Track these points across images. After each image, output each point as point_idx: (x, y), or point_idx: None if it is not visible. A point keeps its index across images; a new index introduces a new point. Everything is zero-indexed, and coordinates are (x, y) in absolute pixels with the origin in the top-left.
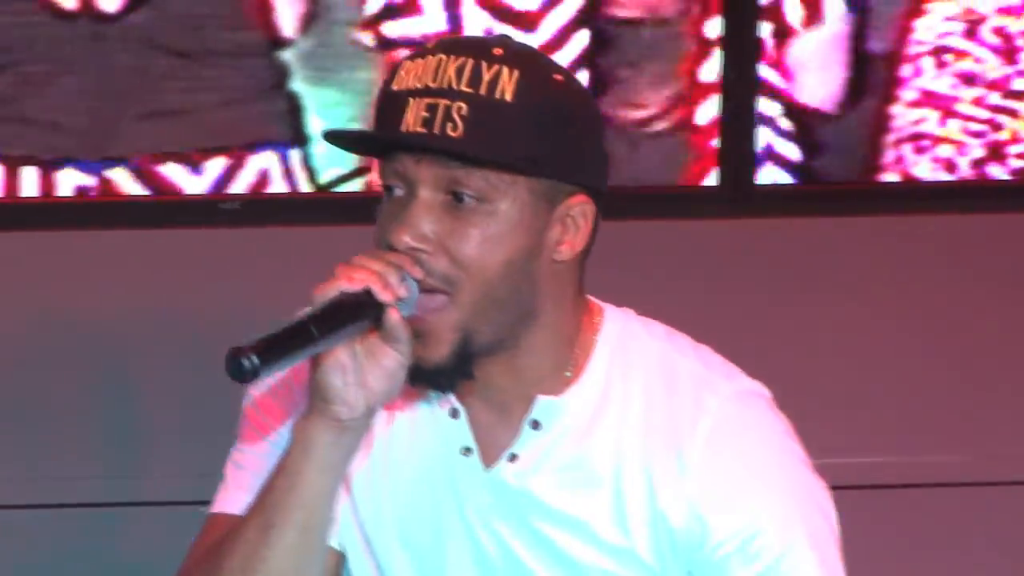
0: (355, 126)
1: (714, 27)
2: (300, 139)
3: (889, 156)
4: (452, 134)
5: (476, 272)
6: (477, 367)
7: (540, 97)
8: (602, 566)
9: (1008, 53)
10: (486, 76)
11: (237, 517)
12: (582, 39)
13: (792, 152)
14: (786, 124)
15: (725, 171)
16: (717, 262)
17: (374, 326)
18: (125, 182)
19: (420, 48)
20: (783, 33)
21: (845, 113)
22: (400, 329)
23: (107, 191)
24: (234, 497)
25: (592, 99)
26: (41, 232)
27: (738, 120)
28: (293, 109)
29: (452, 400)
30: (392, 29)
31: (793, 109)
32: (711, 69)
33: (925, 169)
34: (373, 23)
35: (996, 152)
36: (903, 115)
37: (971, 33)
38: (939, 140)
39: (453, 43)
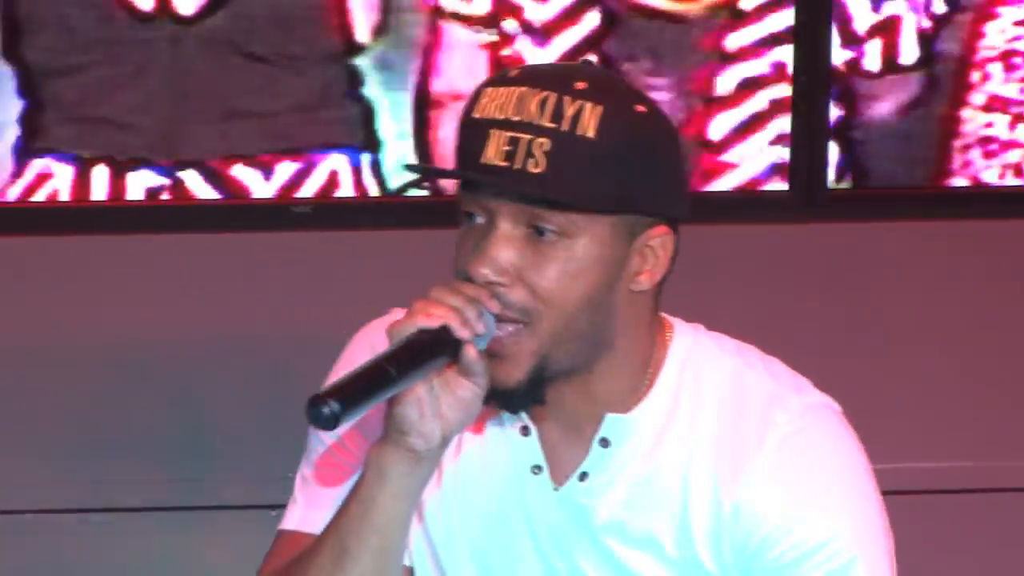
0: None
1: (780, 20)
2: (371, 144)
3: (957, 161)
4: (533, 170)
5: (555, 306)
6: (549, 392)
7: (622, 132)
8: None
9: None
10: (568, 111)
11: (308, 536)
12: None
13: (863, 156)
14: (858, 128)
15: (797, 175)
16: (790, 267)
17: (451, 361)
18: (196, 184)
19: (502, 74)
20: (852, 38)
21: (915, 117)
22: (477, 365)
23: (179, 193)
24: (305, 515)
25: (673, 127)
26: (110, 236)
27: (811, 124)
28: (365, 114)
29: (523, 418)
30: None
31: (864, 113)
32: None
33: (993, 174)
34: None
35: None
36: (972, 119)
37: None
38: (1007, 145)
39: (536, 74)
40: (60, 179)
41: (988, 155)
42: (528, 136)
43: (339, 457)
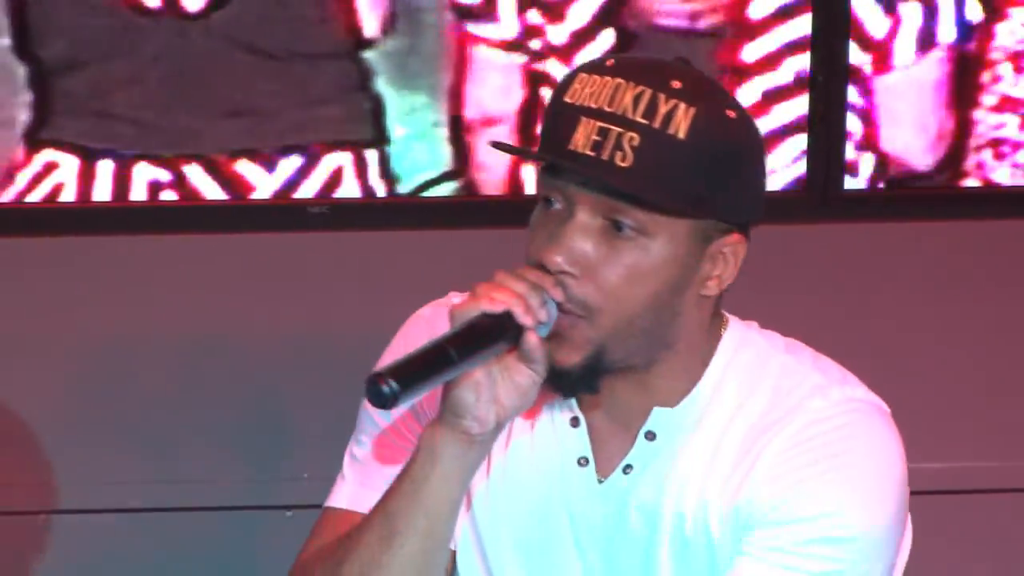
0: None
1: (798, 28)
2: (379, 140)
3: (970, 162)
4: (621, 164)
5: (619, 303)
6: (604, 383)
7: (712, 137)
8: (702, 570)
9: None
10: (662, 109)
11: (355, 514)
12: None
13: (876, 158)
14: (872, 129)
15: (813, 176)
16: (805, 266)
17: (512, 346)
18: (199, 178)
19: (598, 61)
20: (869, 44)
21: (930, 117)
22: (538, 351)
23: (181, 186)
24: (353, 492)
25: (759, 134)
26: (114, 236)
27: (826, 125)
28: (374, 110)
29: (574, 409)
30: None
31: (878, 114)
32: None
33: (1005, 174)
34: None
35: None
36: (984, 120)
37: None
38: (1019, 145)
39: (633, 67)
40: (65, 171)
41: (999, 156)
42: (619, 129)
43: (390, 437)
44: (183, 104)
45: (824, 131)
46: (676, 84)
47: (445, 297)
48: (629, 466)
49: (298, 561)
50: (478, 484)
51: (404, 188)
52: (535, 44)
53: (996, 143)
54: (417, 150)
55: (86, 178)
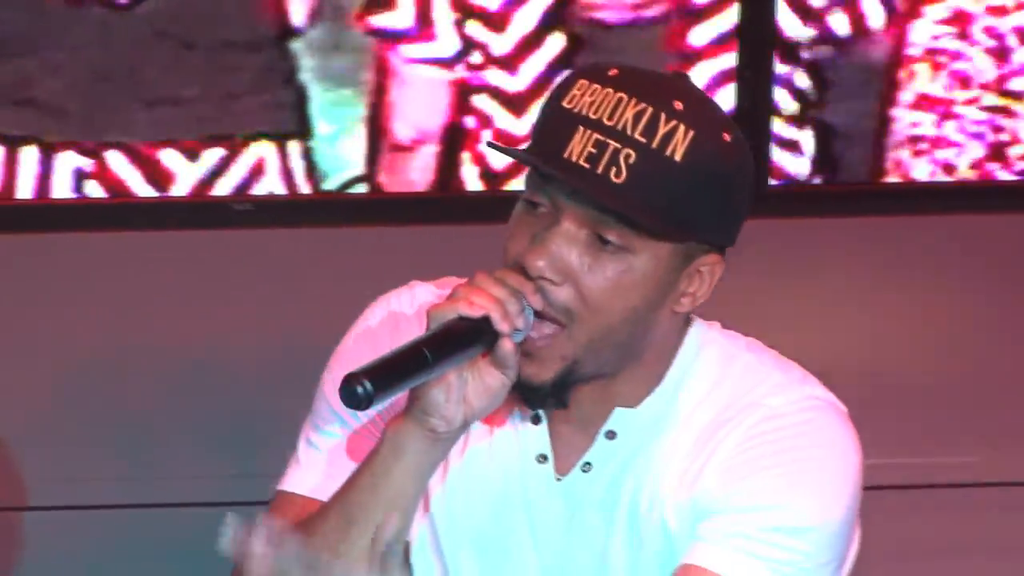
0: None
1: (702, 34)
2: (303, 132)
3: (889, 159)
4: (615, 179)
5: (598, 314)
6: (572, 393)
7: (707, 161)
8: (659, 569)
9: (1000, 53)
10: (662, 129)
11: (309, 500)
12: (557, 42)
13: (802, 154)
14: (796, 126)
15: None
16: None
17: (486, 350)
18: (122, 166)
19: (600, 69)
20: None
21: (852, 116)
22: (512, 358)
23: (104, 175)
24: (307, 477)
25: (750, 158)
26: (37, 235)
27: (752, 121)
28: (298, 102)
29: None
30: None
31: (804, 110)
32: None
33: (924, 172)
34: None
35: (998, 153)
36: (901, 118)
37: (963, 34)
38: (936, 142)
39: (635, 82)
40: None
41: (917, 154)
42: (616, 144)
43: (346, 424)
44: (107, 93)
45: (749, 128)
46: (678, 105)
47: (407, 286)
48: (588, 464)
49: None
50: (436, 477)
51: (330, 185)
52: (476, 58)
53: (914, 140)
54: (342, 146)
55: (10, 167)
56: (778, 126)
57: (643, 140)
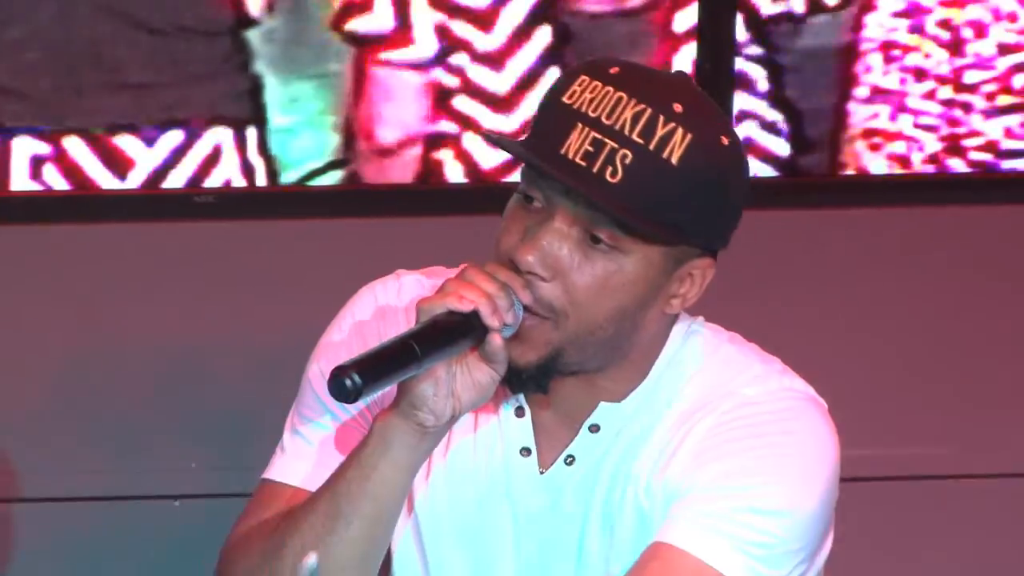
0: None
1: (686, 19)
2: (259, 119)
3: (847, 153)
4: (610, 179)
5: (585, 312)
6: (554, 383)
7: (703, 165)
8: (634, 555)
9: (954, 46)
10: (659, 131)
11: (295, 489)
12: (544, 36)
13: (771, 145)
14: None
15: None
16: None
17: (475, 345)
18: (81, 152)
19: (602, 65)
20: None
21: (811, 110)
22: (501, 353)
23: (62, 161)
24: (292, 467)
25: (745, 161)
26: (28, 226)
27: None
28: (254, 89)
29: (520, 399)
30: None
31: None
32: (682, 62)
33: (881, 165)
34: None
35: (954, 146)
36: (856, 112)
37: (917, 27)
38: (892, 136)
39: (636, 82)
40: None
41: (874, 147)
42: (614, 144)
43: (333, 414)
44: (64, 78)
45: None
46: (677, 107)
47: (393, 275)
48: (571, 457)
49: (235, 534)
50: (420, 471)
51: (289, 177)
52: (458, 59)
53: (869, 134)
54: (302, 138)
55: None
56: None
57: (640, 141)
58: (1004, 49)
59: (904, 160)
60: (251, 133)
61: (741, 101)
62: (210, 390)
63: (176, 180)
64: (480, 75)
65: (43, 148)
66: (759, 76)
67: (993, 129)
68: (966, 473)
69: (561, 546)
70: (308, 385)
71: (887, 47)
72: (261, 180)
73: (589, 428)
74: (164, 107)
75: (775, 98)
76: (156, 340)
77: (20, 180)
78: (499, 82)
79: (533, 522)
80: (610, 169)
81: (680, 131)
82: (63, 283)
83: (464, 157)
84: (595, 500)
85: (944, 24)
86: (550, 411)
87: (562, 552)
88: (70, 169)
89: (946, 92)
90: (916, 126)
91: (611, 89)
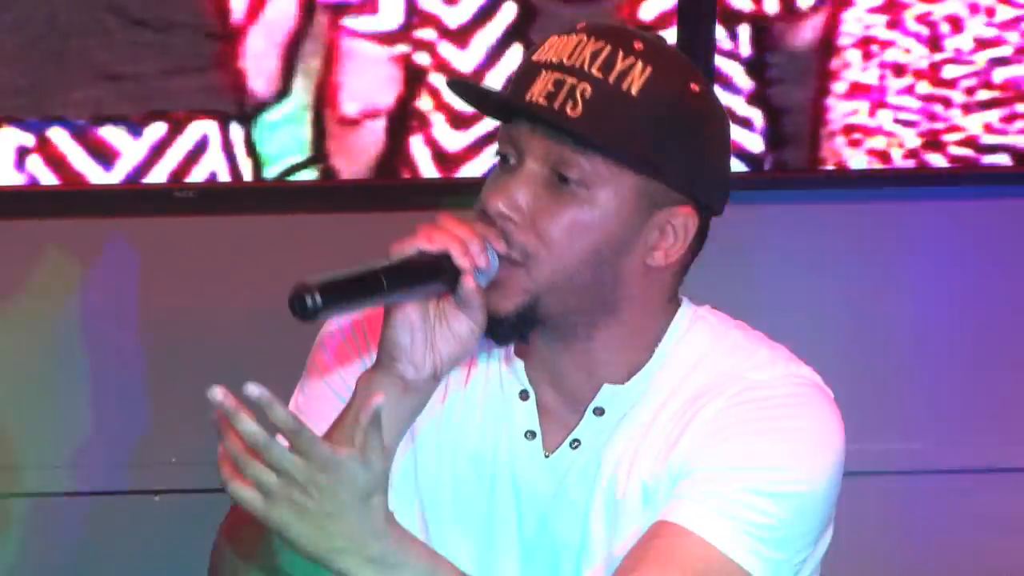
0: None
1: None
2: (243, 113)
3: (826, 149)
4: (570, 113)
5: (559, 253)
6: (549, 351)
7: (666, 99)
8: (634, 530)
9: (933, 41)
10: (619, 65)
11: None
12: (508, 13)
13: (746, 142)
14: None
15: None
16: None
17: (449, 290)
18: (65, 143)
19: (571, 26)
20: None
21: (789, 106)
22: (473, 297)
23: (46, 151)
24: None
25: (724, 118)
26: (20, 221)
27: None
28: (239, 82)
29: (524, 382)
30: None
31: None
32: None
33: (861, 161)
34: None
35: (934, 141)
36: (835, 107)
37: (894, 22)
38: (871, 131)
39: (600, 27)
40: None
41: (853, 143)
42: (573, 80)
43: (331, 385)
44: (50, 68)
45: None
46: (639, 45)
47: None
48: (576, 441)
49: (226, 522)
50: (422, 431)
51: (271, 172)
52: (425, 33)
53: (849, 130)
54: (283, 133)
55: None
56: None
57: (599, 75)
58: (982, 43)
59: (884, 155)
60: (236, 126)
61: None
62: (190, 385)
63: (160, 173)
64: (446, 51)
65: (28, 139)
66: (737, 73)
67: (973, 124)
68: (940, 468)
69: (565, 529)
70: (312, 360)
71: (865, 43)
72: (247, 175)
73: (594, 411)
74: (151, 99)
75: (754, 95)
76: (136, 335)
77: (6, 171)
78: (464, 59)
79: (537, 505)
80: (571, 103)
81: (639, 64)
82: (44, 278)
83: (433, 142)
84: (599, 483)
85: (922, 19)
86: (553, 394)
87: (566, 535)
88: (55, 161)
89: (924, 87)
90: (896, 121)
91: (574, 36)
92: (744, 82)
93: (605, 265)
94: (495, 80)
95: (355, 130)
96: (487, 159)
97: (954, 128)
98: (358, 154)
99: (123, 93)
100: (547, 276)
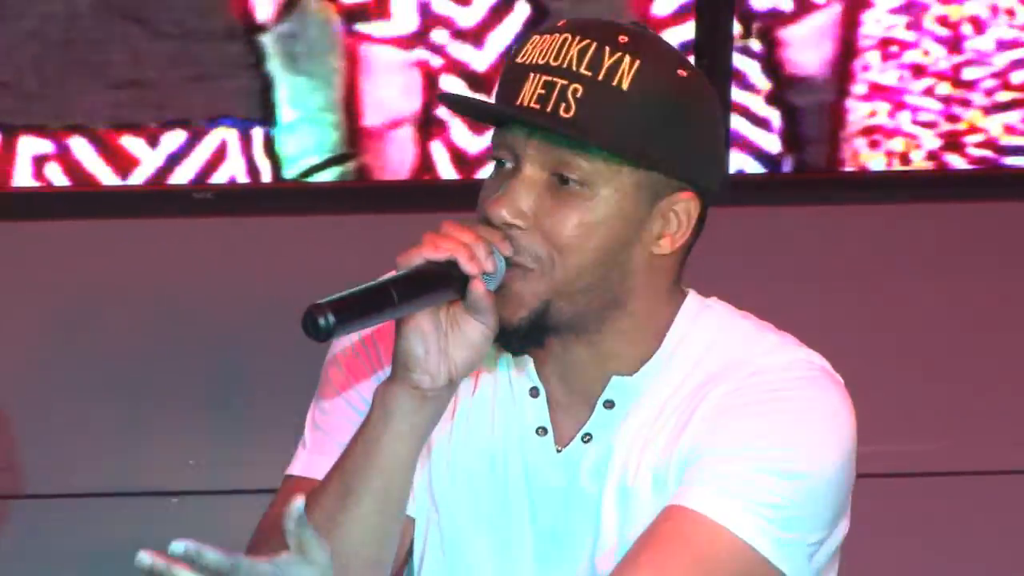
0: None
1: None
2: (266, 119)
3: (846, 150)
4: (564, 115)
5: (569, 255)
6: (558, 348)
7: (657, 90)
8: (646, 519)
9: (953, 42)
10: (607, 62)
11: (314, 482)
12: (521, 13)
13: (764, 142)
14: (758, 113)
15: None
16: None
17: (458, 297)
18: (84, 151)
19: (552, 24)
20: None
21: (809, 105)
22: (483, 302)
23: (65, 159)
24: (313, 461)
25: (714, 99)
26: (32, 223)
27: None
28: (263, 88)
29: (533, 378)
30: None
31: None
32: None
33: (880, 162)
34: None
35: (954, 143)
36: (855, 109)
37: (915, 24)
38: (891, 133)
39: (583, 24)
40: None
41: (873, 144)
42: (563, 81)
43: (348, 400)
44: (69, 76)
45: None
46: (623, 39)
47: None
48: (588, 435)
49: (257, 529)
50: (437, 440)
51: (289, 173)
52: (438, 35)
53: (869, 131)
54: (303, 134)
55: None
56: (749, 100)
57: (588, 73)
58: (1003, 45)
59: (903, 157)
60: (257, 132)
61: (738, 97)
62: (209, 386)
63: (180, 179)
64: (461, 52)
65: (46, 147)
66: (754, 72)
67: (993, 125)
68: (956, 470)
69: (578, 521)
70: (326, 376)
71: (885, 44)
72: (266, 177)
73: (604, 404)
74: (170, 107)
75: (772, 95)
76: (156, 337)
77: (23, 178)
78: (480, 59)
79: (550, 500)
80: (564, 105)
81: (628, 58)
82: (64, 279)
83: (451, 145)
84: (611, 476)
85: (942, 20)
86: (563, 388)
87: (579, 526)
88: (73, 168)
89: (944, 88)
90: (915, 123)
91: (557, 35)
92: (762, 82)
93: (612, 261)
94: None
95: (376, 133)
96: None
97: (973, 129)
98: (380, 157)
99: (144, 101)
100: (559, 278)
